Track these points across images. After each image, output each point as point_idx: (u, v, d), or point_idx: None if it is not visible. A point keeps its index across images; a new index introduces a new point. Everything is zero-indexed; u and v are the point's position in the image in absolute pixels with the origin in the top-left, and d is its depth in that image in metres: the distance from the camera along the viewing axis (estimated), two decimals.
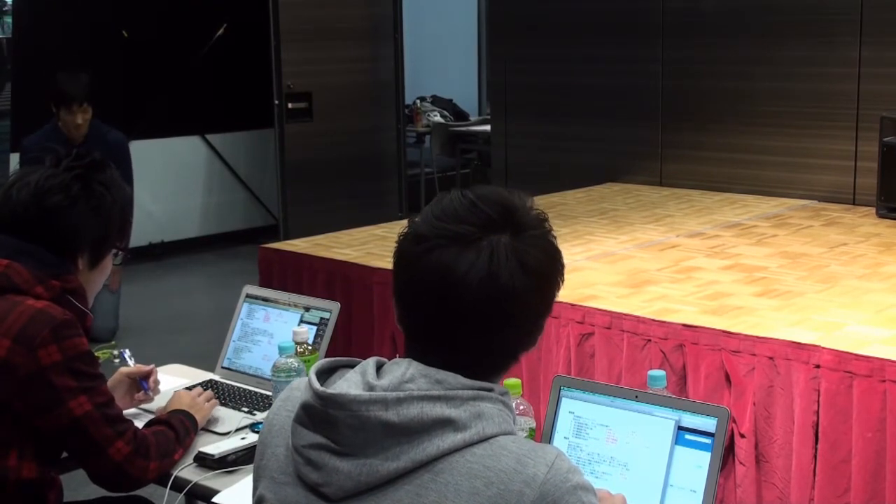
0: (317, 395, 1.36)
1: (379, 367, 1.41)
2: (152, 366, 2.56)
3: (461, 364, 1.38)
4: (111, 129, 5.73)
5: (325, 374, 1.43)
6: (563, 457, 1.34)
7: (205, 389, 2.52)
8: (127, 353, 2.63)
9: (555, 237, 1.45)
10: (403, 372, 1.37)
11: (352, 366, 1.44)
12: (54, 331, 2.00)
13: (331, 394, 1.35)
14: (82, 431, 2.03)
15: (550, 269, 1.43)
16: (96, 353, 2.16)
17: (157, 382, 2.54)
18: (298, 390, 1.46)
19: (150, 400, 2.52)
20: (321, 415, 1.36)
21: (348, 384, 1.37)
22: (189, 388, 2.54)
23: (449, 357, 1.38)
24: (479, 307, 1.36)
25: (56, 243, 2.12)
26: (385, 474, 1.32)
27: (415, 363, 1.38)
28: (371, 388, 1.35)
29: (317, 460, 1.36)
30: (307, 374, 1.43)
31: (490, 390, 1.38)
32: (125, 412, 2.21)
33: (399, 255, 1.43)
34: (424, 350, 1.40)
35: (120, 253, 2.27)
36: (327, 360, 1.47)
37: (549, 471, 1.31)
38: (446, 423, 1.32)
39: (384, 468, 1.32)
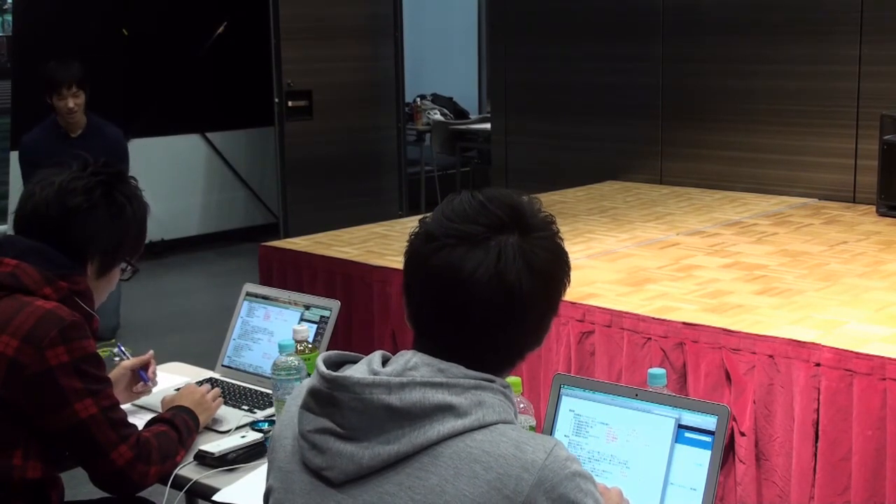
0: (323, 378, 1.39)
1: (385, 361, 1.45)
2: (150, 353, 2.56)
3: (467, 361, 1.40)
4: (109, 123, 5.73)
5: (333, 367, 1.46)
6: (562, 445, 1.37)
7: (213, 387, 2.52)
8: (122, 348, 2.64)
9: (562, 239, 1.48)
10: (407, 360, 1.41)
11: (357, 361, 1.48)
12: (62, 332, 2.00)
13: (336, 375, 1.38)
14: (86, 434, 2.04)
15: (557, 270, 1.46)
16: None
17: (154, 373, 2.55)
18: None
19: (149, 391, 2.53)
20: (327, 397, 1.39)
21: (353, 371, 1.41)
22: (199, 384, 2.54)
23: (455, 353, 1.41)
24: (487, 305, 1.39)
25: (69, 244, 2.13)
26: (386, 457, 1.35)
27: (419, 354, 1.42)
28: (375, 374, 1.39)
29: (321, 444, 1.39)
30: (308, 373, 1.45)
31: (492, 381, 1.40)
32: (125, 406, 2.22)
33: (409, 254, 1.46)
34: (432, 346, 1.42)
35: (129, 267, 2.28)
36: (335, 352, 1.50)
37: (547, 457, 1.33)
38: (447, 409, 1.35)
39: (385, 451, 1.35)
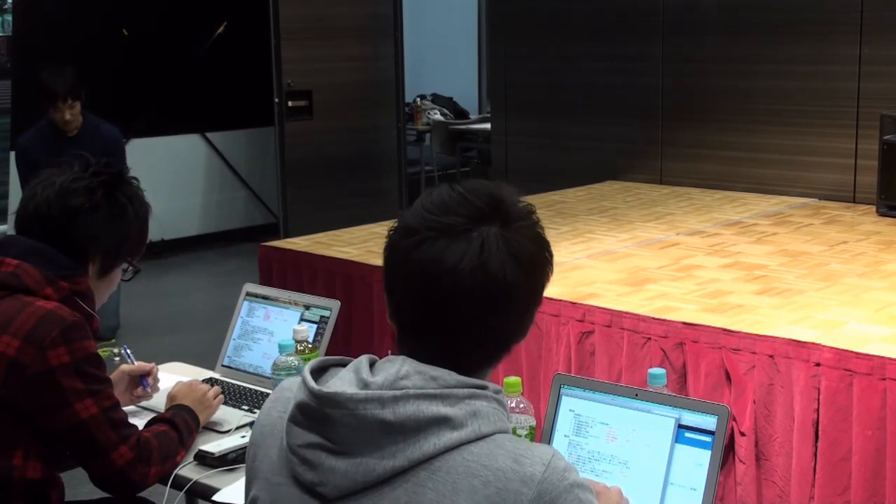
0: (312, 393, 1.35)
1: (371, 365, 1.40)
2: (153, 364, 2.56)
3: (453, 356, 1.38)
4: (104, 121, 5.73)
5: (317, 373, 1.42)
6: (559, 455, 1.34)
7: (212, 385, 2.52)
8: (128, 350, 2.64)
9: (542, 228, 1.45)
10: (398, 369, 1.36)
11: (343, 364, 1.44)
12: (63, 332, 2.01)
13: (327, 392, 1.34)
14: (86, 434, 2.04)
15: (540, 259, 1.43)
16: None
17: (156, 380, 2.55)
18: (289, 391, 1.45)
19: (150, 397, 2.53)
20: (317, 414, 1.35)
21: (342, 382, 1.36)
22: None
23: (441, 349, 1.38)
24: (471, 297, 1.36)
25: (70, 245, 2.13)
26: (381, 473, 1.32)
27: (409, 360, 1.38)
28: (366, 385, 1.35)
29: (312, 460, 1.35)
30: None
31: (484, 388, 1.37)
32: (124, 409, 2.22)
33: (389, 250, 1.43)
34: (416, 344, 1.39)
35: (130, 268, 2.28)
36: (318, 359, 1.46)
37: (545, 469, 1.31)
38: (442, 422, 1.32)
39: (380, 467, 1.32)
